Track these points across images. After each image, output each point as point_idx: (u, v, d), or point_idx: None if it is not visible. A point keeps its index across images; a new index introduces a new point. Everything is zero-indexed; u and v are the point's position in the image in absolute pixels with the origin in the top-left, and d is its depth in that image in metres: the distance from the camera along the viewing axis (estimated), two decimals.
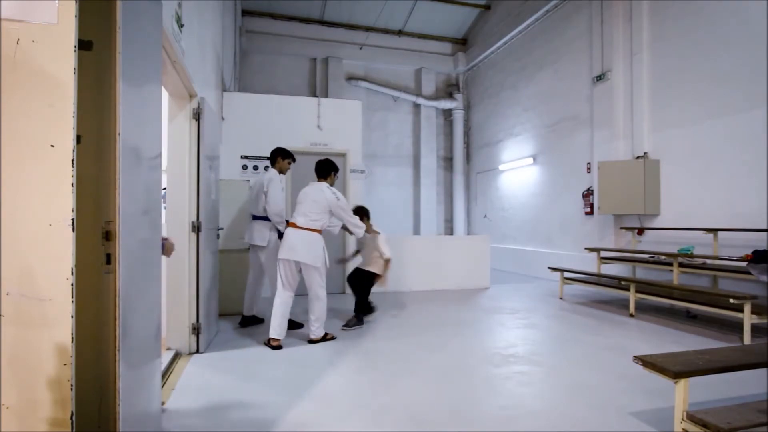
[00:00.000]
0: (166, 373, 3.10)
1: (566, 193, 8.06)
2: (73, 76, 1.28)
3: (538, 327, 4.65)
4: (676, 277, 5.32)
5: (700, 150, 5.68)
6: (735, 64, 5.26)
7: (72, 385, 1.26)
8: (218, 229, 4.45)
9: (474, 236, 9.23)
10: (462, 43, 11.72)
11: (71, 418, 1.26)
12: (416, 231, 11.34)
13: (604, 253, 6.67)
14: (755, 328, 4.26)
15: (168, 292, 3.54)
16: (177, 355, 3.54)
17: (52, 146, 1.26)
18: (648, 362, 2.16)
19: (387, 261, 4.62)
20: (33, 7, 1.26)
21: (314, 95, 10.26)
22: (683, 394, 2.03)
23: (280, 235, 4.31)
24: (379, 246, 4.60)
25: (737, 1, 5.24)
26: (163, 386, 2.85)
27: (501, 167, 10.16)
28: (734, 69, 5.27)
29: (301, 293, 4.28)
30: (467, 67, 11.51)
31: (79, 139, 1.32)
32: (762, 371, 2.85)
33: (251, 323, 4.68)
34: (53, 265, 1.26)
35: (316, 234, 3.92)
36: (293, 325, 4.43)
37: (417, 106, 11.37)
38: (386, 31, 10.97)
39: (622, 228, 6.80)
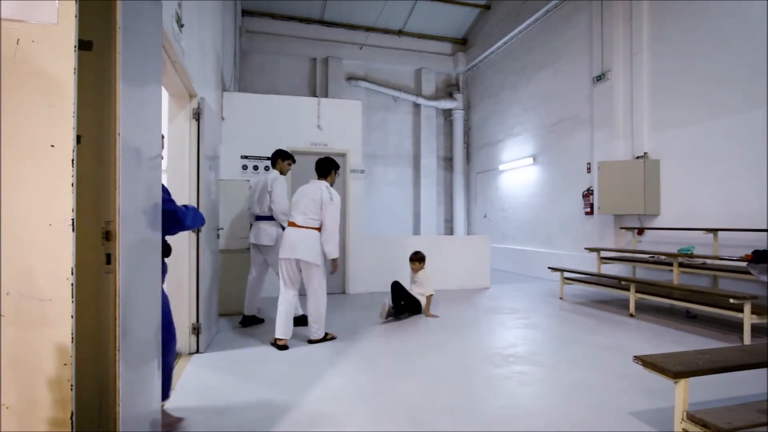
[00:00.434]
0: None
1: (566, 193, 8.06)
2: (73, 76, 1.28)
3: (538, 327, 4.65)
4: (676, 277, 5.32)
5: (700, 150, 5.68)
6: (735, 64, 5.26)
7: (72, 385, 1.26)
8: (218, 229, 4.45)
9: (474, 236, 9.23)
10: (462, 43, 11.72)
11: (71, 418, 1.26)
12: (416, 231, 11.34)
13: (604, 253, 6.68)
14: (755, 328, 4.26)
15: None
16: (177, 355, 3.54)
17: (52, 146, 1.26)
18: (648, 362, 2.16)
19: (429, 296, 5.18)
20: (33, 7, 1.26)
21: (314, 95, 10.26)
22: (683, 394, 2.03)
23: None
24: (425, 283, 5.20)
25: (737, 1, 5.24)
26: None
27: (501, 167, 10.16)
28: (734, 69, 5.27)
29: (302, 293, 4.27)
30: (467, 67, 11.51)
31: (79, 139, 1.32)
32: (762, 371, 2.85)
33: (252, 323, 4.69)
34: (53, 265, 1.26)
35: (315, 232, 3.90)
36: (303, 320, 4.43)
37: (417, 106, 11.37)
38: (386, 31, 10.97)
39: (622, 228, 6.80)
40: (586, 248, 6.84)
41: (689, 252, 5.41)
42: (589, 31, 7.48)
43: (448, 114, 11.85)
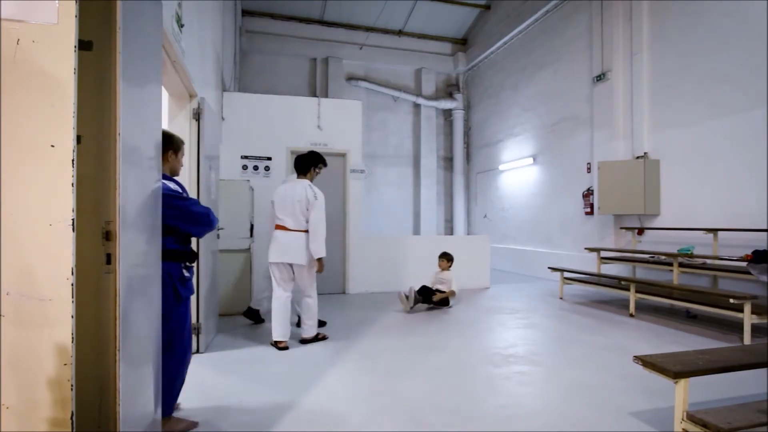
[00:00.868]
0: None
1: (566, 193, 8.06)
2: (74, 76, 1.28)
3: (538, 327, 4.65)
4: (676, 277, 5.32)
5: (700, 150, 5.68)
6: (734, 64, 5.26)
7: (72, 385, 1.26)
8: (218, 229, 4.45)
9: (474, 236, 9.22)
10: (462, 43, 11.72)
11: (71, 418, 1.26)
12: (416, 231, 11.34)
13: (604, 253, 6.68)
14: (755, 328, 4.26)
15: None
16: None
17: (53, 146, 1.26)
18: (648, 362, 2.16)
19: (452, 292, 5.55)
20: (33, 7, 1.26)
21: (314, 95, 10.26)
22: (683, 394, 2.03)
23: None
24: (451, 283, 5.58)
25: (737, 1, 5.24)
26: None
27: (501, 167, 10.16)
28: (734, 69, 5.27)
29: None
30: (467, 67, 11.51)
31: (79, 139, 1.32)
32: (762, 371, 2.85)
33: (252, 317, 4.74)
34: (53, 265, 1.26)
35: (305, 234, 3.88)
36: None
37: (417, 106, 11.37)
38: (386, 31, 10.97)
39: (622, 228, 6.80)
40: (586, 248, 6.84)
41: (689, 252, 5.41)
42: (589, 31, 7.48)
43: (448, 114, 11.85)
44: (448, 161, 11.93)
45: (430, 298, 5.43)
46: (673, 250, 5.66)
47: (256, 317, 4.75)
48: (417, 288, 5.46)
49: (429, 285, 5.61)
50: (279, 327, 3.84)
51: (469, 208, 11.79)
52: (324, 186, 5.53)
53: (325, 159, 4.29)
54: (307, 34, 10.41)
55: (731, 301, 3.94)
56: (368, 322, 4.83)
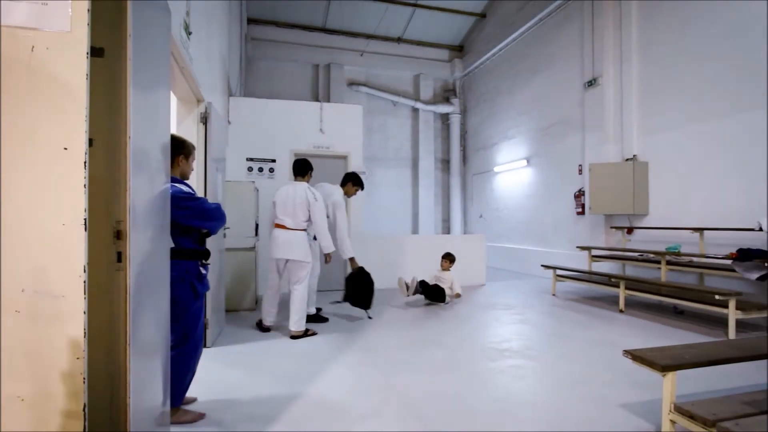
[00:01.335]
0: None
1: (559, 194, 8.06)
2: (86, 82, 1.28)
3: (531, 322, 4.65)
4: (664, 274, 5.32)
5: (687, 152, 5.68)
6: (720, 70, 5.26)
7: (84, 378, 1.26)
8: (224, 228, 4.45)
9: (470, 235, 9.22)
10: (459, 50, 11.72)
11: (84, 410, 1.26)
12: (415, 230, 11.34)
13: (595, 252, 6.67)
14: (740, 324, 4.26)
15: None
16: None
17: (65, 149, 1.26)
18: (637, 356, 2.16)
19: (458, 294, 5.55)
20: (46, 14, 1.26)
21: (317, 100, 10.26)
22: (671, 386, 2.03)
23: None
24: (455, 284, 5.55)
25: (723, 9, 5.24)
26: None
27: (496, 169, 10.15)
28: (719, 75, 5.27)
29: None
30: (464, 73, 11.51)
31: (91, 142, 1.32)
32: (747, 365, 2.85)
33: (315, 321, 4.55)
34: (66, 263, 1.26)
35: (303, 233, 4.08)
36: (320, 319, 4.61)
37: (415, 110, 11.37)
38: (386, 39, 10.96)
39: (612, 227, 6.80)
40: (577, 247, 6.84)
41: (676, 250, 5.42)
42: (580, 39, 7.48)
43: (445, 118, 11.85)
44: (445, 163, 11.92)
45: (429, 293, 5.42)
46: (661, 248, 5.66)
47: (318, 319, 4.60)
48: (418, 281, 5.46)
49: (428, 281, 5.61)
50: (267, 311, 4.17)
51: (465, 209, 11.79)
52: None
53: (362, 182, 4.91)
54: (310, 41, 10.41)
55: (717, 297, 3.94)
56: (367, 319, 4.83)
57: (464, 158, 11.78)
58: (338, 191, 4.70)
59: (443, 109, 11.46)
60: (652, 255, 5.57)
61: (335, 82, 10.51)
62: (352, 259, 4.56)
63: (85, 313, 1.26)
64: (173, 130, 3.47)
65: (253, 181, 5.60)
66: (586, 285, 5.96)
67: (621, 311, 5.07)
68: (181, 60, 2.87)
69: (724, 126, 5.20)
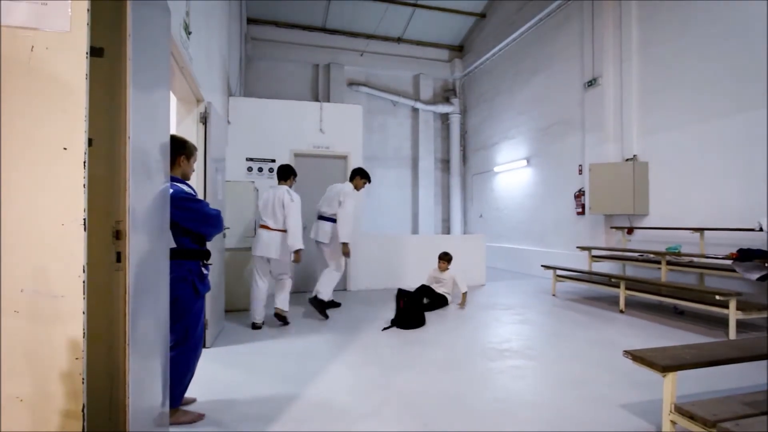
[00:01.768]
0: None
1: (559, 194, 8.06)
2: (85, 82, 1.28)
3: (531, 323, 4.65)
4: (664, 274, 5.32)
5: (687, 152, 5.68)
6: (720, 69, 5.26)
7: (83, 379, 1.26)
8: (224, 228, 4.45)
9: (470, 235, 9.22)
10: (458, 50, 11.72)
11: (83, 410, 1.26)
12: (414, 230, 11.34)
13: (595, 252, 6.67)
14: (740, 324, 4.26)
15: None
16: None
17: (65, 149, 1.26)
18: (637, 356, 2.16)
19: (464, 294, 5.44)
20: (46, 14, 1.26)
21: (317, 100, 10.26)
22: (671, 387, 2.03)
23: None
24: (459, 282, 5.45)
25: (722, 9, 5.24)
26: None
27: (496, 169, 10.15)
28: (719, 74, 5.27)
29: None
30: (463, 73, 11.51)
31: (90, 141, 1.32)
32: (747, 365, 2.85)
33: (330, 307, 5.16)
34: (66, 263, 1.26)
35: (283, 233, 4.37)
36: (333, 304, 5.07)
37: (415, 110, 11.37)
38: (386, 39, 10.96)
39: (612, 227, 6.80)
40: (577, 247, 6.84)
41: (677, 251, 5.41)
42: (580, 39, 7.48)
43: (445, 118, 11.85)
44: (445, 163, 11.92)
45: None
46: (662, 248, 5.66)
47: (332, 305, 5.21)
48: (415, 288, 5.36)
49: (427, 284, 5.56)
50: (256, 309, 4.36)
51: (465, 209, 11.79)
52: (325, 187, 5.59)
53: (369, 175, 5.24)
54: (310, 41, 10.41)
55: (717, 297, 3.94)
56: (369, 317, 4.83)
57: (464, 158, 11.77)
58: (348, 185, 5.07)
59: (443, 109, 11.46)
60: (652, 255, 5.57)
61: (335, 82, 10.51)
62: (344, 244, 4.81)
63: (84, 313, 1.26)
64: (173, 130, 3.47)
65: (253, 181, 5.60)
66: (586, 285, 5.96)
67: (621, 311, 5.07)
68: (181, 60, 2.87)
69: (725, 126, 5.20)
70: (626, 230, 6.55)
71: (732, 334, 3.89)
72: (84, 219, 1.26)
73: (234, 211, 5.33)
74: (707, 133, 5.42)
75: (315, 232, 5.08)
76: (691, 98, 5.62)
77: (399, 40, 11.04)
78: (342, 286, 6.72)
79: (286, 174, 4.63)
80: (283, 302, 4.46)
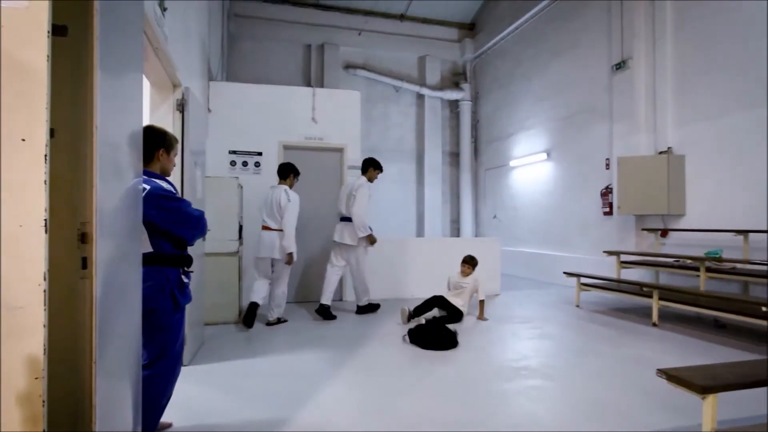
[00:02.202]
0: None
1: (583, 192, 8.06)
2: (47, 64, 1.27)
3: (552, 337, 4.64)
4: (703, 282, 5.31)
5: (729, 144, 5.68)
6: (766, 50, 5.25)
7: (44, 401, 1.25)
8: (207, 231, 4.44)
9: (483, 238, 9.21)
10: (469, 28, 11.73)
11: None
12: (420, 233, 11.34)
13: (624, 257, 6.67)
14: None
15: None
16: None
17: (23, 140, 1.26)
18: (673, 376, 2.15)
19: (482, 302, 5.53)
20: None
21: (309, 85, 10.26)
22: (711, 411, 2.02)
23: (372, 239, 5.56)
24: (479, 290, 5.55)
25: None
26: None
27: (512, 163, 10.16)
28: (766, 56, 5.25)
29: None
30: (475, 55, 11.51)
31: (52, 132, 1.32)
32: None
33: (368, 311, 5.67)
34: (24, 269, 1.25)
35: (282, 233, 4.96)
36: (328, 315, 5.40)
37: (421, 96, 11.38)
38: (387, 16, 10.97)
39: (643, 229, 6.79)
40: (604, 251, 6.83)
41: (717, 255, 5.40)
42: (607, 15, 7.47)
43: (454, 105, 11.85)
44: (454, 157, 11.93)
45: (445, 318, 5.14)
46: (700, 253, 5.64)
47: (370, 308, 5.71)
48: (429, 297, 5.36)
49: (444, 294, 5.46)
50: (257, 291, 5.01)
51: (477, 208, 11.79)
52: (319, 184, 5.59)
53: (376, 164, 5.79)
54: (300, 18, 10.42)
55: (764, 309, 3.93)
56: (366, 332, 4.83)
57: (476, 151, 11.78)
58: (362, 179, 5.62)
59: (452, 95, 11.46)
60: (689, 261, 5.56)
61: (330, 64, 10.52)
62: (368, 236, 5.49)
63: (45, 326, 1.26)
64: (146, 120, 3.47)
65: (237, 177, 5.61)
66: (614, 295, 5.96)
67: (654, 325, 5.07)
68: (155, 40, 2.87)
69: None
70: (660, 232, 6.54)
71: None
72: (45, 220, 1.26)
73: (215, 211, 5.32)
74: (752, 122, 5.41)
75: (340, 235, 5.56)
76: (734, 83, 5.61)
77: (402, 17, 11.04)
78: (336, 296, 6.72)
79: (285, 172, 5.13)
80: (276, 313, 5.08)
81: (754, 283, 5.10)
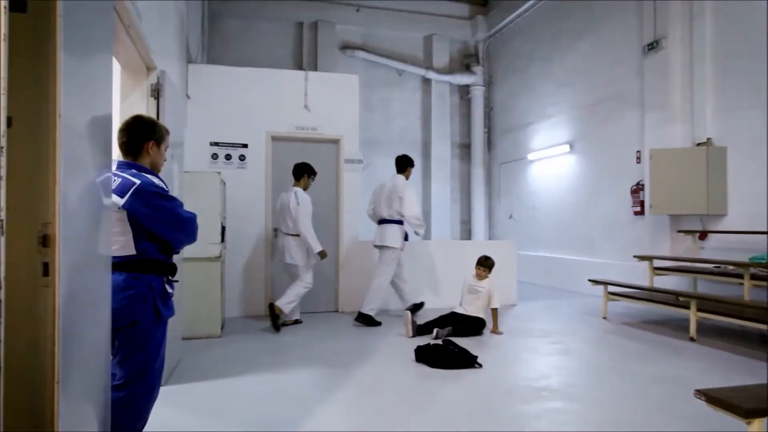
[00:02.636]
0: None
1: (611, 189, 8.06)
2: (3, 44, 1.27)
3: (576, 354, 4.65)
4: (747, 291, 5.30)
5: None
6: None
7: None
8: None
9: (497, 241, 9.21)
10: (482, 4, 11.74)
11: None
12: (425, 235, 11.33)
13: (657, 263, 6.66)
14: None
15: None
16: None
17: None
18: (713, 397, 2.14)
19: (495, 310, 5.50)
20: None
21: (301, 68, 10.27)
22: None
23: (406, 237, 6.10)
24: (493, 296, 5.49)
25: None
26: None
27: (530, 156, 10.17)
28: None
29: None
30: (489, 34, 11.52)
31: (10, 121, 1.32)
32: None
33: (365, 322, 5.77)
34: None
35: (297, 238, 5.50)
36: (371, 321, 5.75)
37: (427, 81, 11.39)
38: None
39: (679, 231, 6.78)
40: (635, 256, 6.82)
41: (764, 261, 5.39)
42: None
43: (464, 91, 11.86)
44: (464, 149, 11.93)
45: (460, 329, 5.18)
46: (744, 258, 5.63)
47: (415, 308, 6.09)
48: (447, 313, 5.39)
49: (459, 306, 5.47)
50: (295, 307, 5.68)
51: (490, 207, 11.80)
52: (314, 180, 5.59)
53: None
54: None
55: None
56: (366, 347, 4.83)
57: (489, 143, 11.78)
58: (400, 178, 6.02)
59: (462, 79, 11.47)
60: (731, 267, 5.55)
61: (324, 45, 10.54)
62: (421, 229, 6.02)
63: (1, 341, 1.25)
64: (116, 106, 3.47)
65: (219, 172, 5.61)
66: (646, 305, 5.96)
67: (692, 339, 5.06)
68: (127, 17, 2.87)
69: None
70: (698, 235, 6.53)
71: None
72: (1, 221, 1.26)
73: (194, 210, 5.30)
74: None
75: (380, 238, 5.94)
76: None
77: None
78: (332, 307, 6.72)
79: (298, 173, 5.63)
80: (284, 302, 5.43)
81: None
